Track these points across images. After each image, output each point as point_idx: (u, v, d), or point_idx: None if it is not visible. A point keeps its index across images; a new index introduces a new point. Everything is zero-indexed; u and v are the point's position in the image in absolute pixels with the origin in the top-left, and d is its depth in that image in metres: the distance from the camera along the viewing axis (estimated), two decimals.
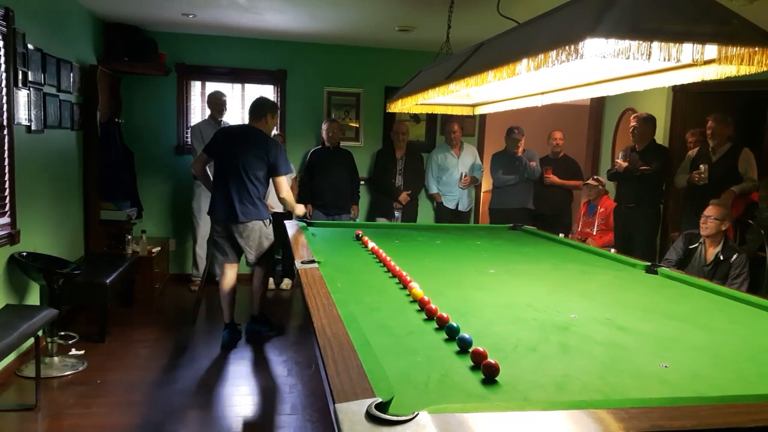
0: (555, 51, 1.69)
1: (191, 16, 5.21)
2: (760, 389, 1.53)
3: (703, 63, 1.83)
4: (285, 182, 4.38)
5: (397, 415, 1.21)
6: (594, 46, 1.59)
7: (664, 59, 1.58)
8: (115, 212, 5.34)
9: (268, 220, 4.45)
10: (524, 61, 1.89)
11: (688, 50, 1.61)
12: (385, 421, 1.20)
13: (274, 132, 6.03)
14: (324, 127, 5.94)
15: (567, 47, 1.64)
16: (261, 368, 3.99)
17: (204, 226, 5.82)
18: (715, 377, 1.62)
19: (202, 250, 5.91)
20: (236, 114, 6.33)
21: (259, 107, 4.42)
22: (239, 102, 6.39)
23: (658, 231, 5.40)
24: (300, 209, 4.67)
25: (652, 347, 1.86)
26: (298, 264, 2.73)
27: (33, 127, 3.97)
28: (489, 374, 1.52)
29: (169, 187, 6.21)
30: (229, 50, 6.16)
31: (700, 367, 1.69)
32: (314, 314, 1.95)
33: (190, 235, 6.07)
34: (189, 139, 6.01)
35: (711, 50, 1.65)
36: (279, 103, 6.33)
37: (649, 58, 1.56)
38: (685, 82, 2.10)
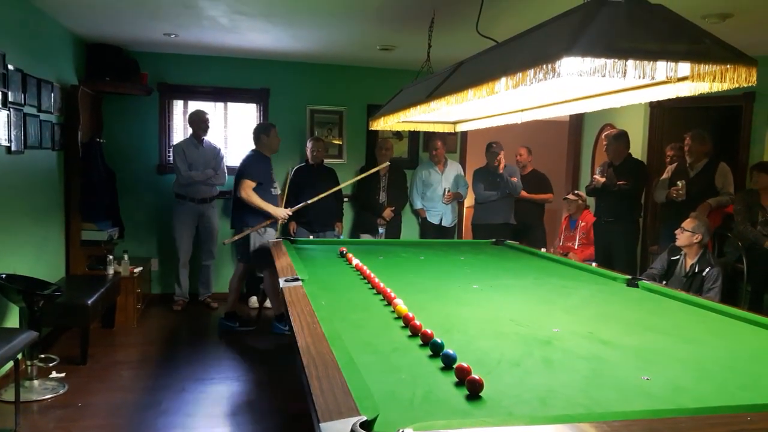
0: (533, 69, 1.73)
1: (173, 35, 5.21)
2: (740, 400, 1.56)
3: (677, 80, 1.88)
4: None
5: None
6: (570, 65, 1.62)
7: (639, 77, 1.62)
8: (96, 232, 5.28)
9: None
10: (503, 79, 1.92)
11: (662, 68, 1.65)
12: None
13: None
14: (309, 145, 5.95)
15: (544, 66, 1.68)
16: (244, 388, 3.95)
17: (186, 244, 5.79)
18: (696, 389, 1.65)
19: (185, 269, 5.86)
20: (219, 133, 6.33)
21: (253, 133, 5.24)
22: (222, 121, 6.39)
23: (637, 244, 5.47)
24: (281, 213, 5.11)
25: (634, 360, 1.88)
26: (282, 282, 2.73)
27: (13, 148, 3.93)
28: (473, 390, 1.53)
29: (151, 206, 6.17)
30: (211, 69, 6.17)
31: (682, 379, 1.71)
32: (298, 332, 1.95)
33: (172, 254, 6.03)
34: (171, 158, 5.99)
35: (684, 68, 1.70)
36: (262, 122, 6.34)
37: (624, 76, 1.60)
38: (660, 99, 2.15)
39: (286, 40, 5.27)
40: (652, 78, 1.64)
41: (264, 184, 5.06)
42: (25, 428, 3.24)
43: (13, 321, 3.96)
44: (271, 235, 5.04)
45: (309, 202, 5.38)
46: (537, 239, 5.89)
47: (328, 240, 4.98)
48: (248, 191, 4.94)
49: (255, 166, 5.03)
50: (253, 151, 5.19)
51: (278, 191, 5.35)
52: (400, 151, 6.65)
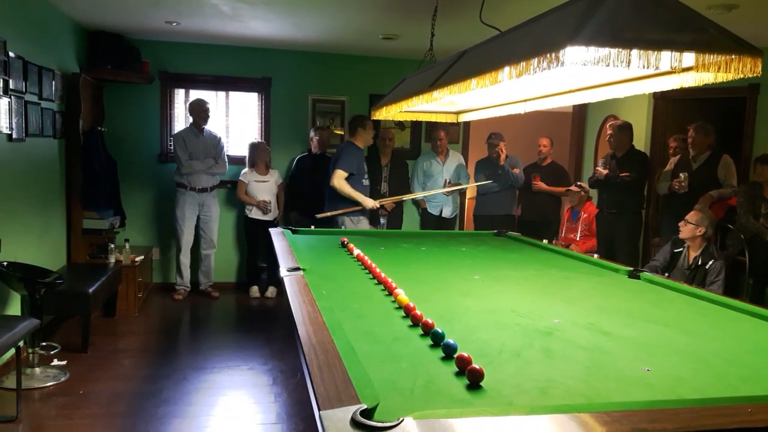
0: (536, 59, 1.71)
1: (175, 24, 5.19)
2: (740, 391, 1.55)
3: (682, 70, 1.86)
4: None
5: (382, 422, 1.21)
6: (574, 54, 1.61)
7: (644, 66, 1.61)
8: (97, 221, 5.29)
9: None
10: (506, 68, 1.91)
11: (666, 58, 1.63)
12: (370, 427, 1.20)
13: (256, 139, 6.05)
14: (312, 134, 5.95)
15: (548, 55, 1.66)
16: (245, 377, 3.96)
17: (188, 234, 5.79)
18: (696, 380, 1.64)
19: (186, 258, 5.87)
20: (220, 122, 6.31)
21: (349, 125, 5.37)
22: (223, 110, 6.38)
23: (640, 236, 5.46)
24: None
25: (635, 351, 1.88)
26: (282, 271, 2.72)
27: (14, 136, 3.92)
28: (474, 380, 1.53)
29: (152, 195, 6.17)
30: (213, 58, 6.14)
31: (682, 371, 1.71)
32: (299, 321, 1.94)
33: (173, 243, 6.03)
34: (172, 147, 5.99)
35: (689, 58, 1.69)
36: (263, 111, 6.33)
37: (628, 66, 1.59)
38: (664, 89, 2.14)
39: (288, 29, 5.25)
40: (657, 68, 1.62)
41: (356, 175, 5.18)
42: (27, 415, 3.26)
43: (14, 309, 3.97)
44: (363, 225, 5.21)
45: (404, 197, 5.51)
46: (551, 232, 5.85)
47: (330, 230, 4.96)
48: (340, 180, 5.09)
49: (348, 157, 5.17)
50: (347, 142, 5.34)
51: (368, 182, 5.45)
52: (403, 141, 6.63)
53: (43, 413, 3.32)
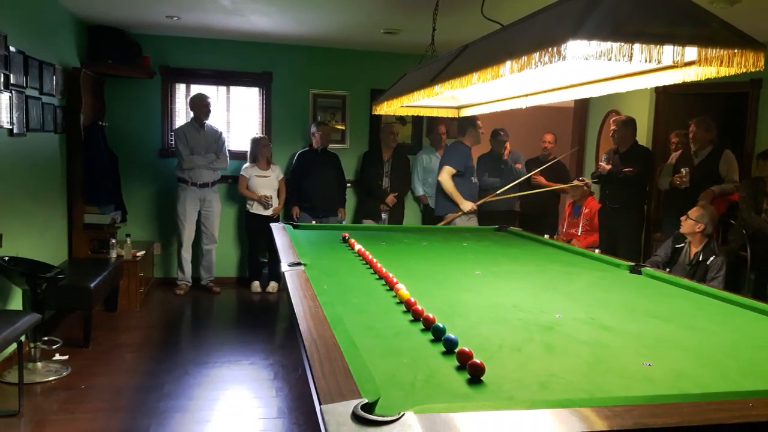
0: (538, 53, 1.70)
1: (175, 18, 5.18)
2: (741, 386, 1.55)
3: (684, 65, 1.86)
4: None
5: (382, 416, 1.21)
6: (576, 48, 1.60)
7: (646, 61, 1.60)
8: (99, 216, 5.29)
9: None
10: (508, 63, 1.90)
11: (669, 52, 1.62)
12: (370, 421, 1.20)
13: (257, 134, 6.05)
14: (314, 130, 5.94)
15: (550, 49, 1.65)
16: (247, 372, 3.97)
17: (189, 229, 5.79)
18: (697, 375, 1.64)
19: (187, 253, 5.87)
20: (221, 117, 6.31)
21: (459, 124, 5.46)
22: (224, 105, 6.37)
23: (642, 232, 5.45)
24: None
25: (636, 346, 1.87)
26: (283, 266, 2.72)
27: (15, 130, 3.92)
28: (474, 374, 1.53)
29: (153, 190, 6.17)
30: (213, 53, 6.13)
31: (684, 366, 1.71)
32: (300, 316, 1.94)
33: (175, 238, 6.04)
34: (173, 142, 5.98)
35: (691, 52, 1.67)
36: (264, 106, 6.33)
37: (630, 60, 1.58)
38: (666, 84, 2.13)
39: (289, 23, 5.24)
40: (659, 62, 1.62)
41: (465, 174, 5.29)
42: (29, 410, 3.26)
43: (16, 303, 3.98)
44: (473, 222, 5.34)
45: (497, 193, 5.51)
46: (551, 226, 5.86)
47: (331, 225, 4.97)
48: (445, 177, 5.27)
49: (458, 155, 5.31)
50: (456, 141, 5.49)
51: (477, 180, 5.54)
52: (404, 136, 6.61)
53: (45, 408, 3.33)
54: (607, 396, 1.45)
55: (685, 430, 1.27)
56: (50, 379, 3.64)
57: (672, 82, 2.10)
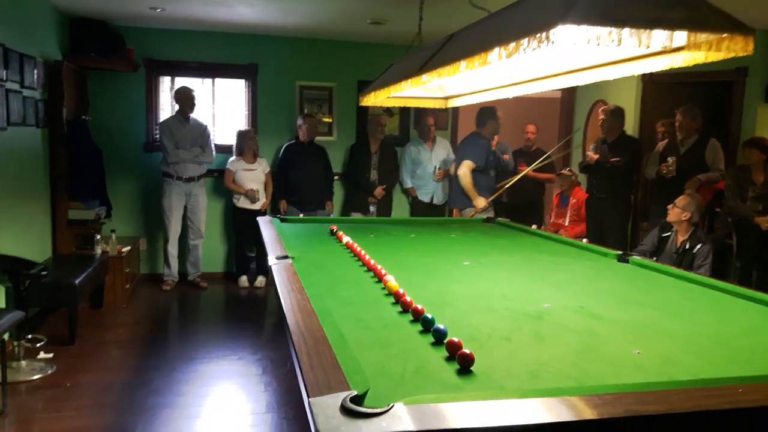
0: (526, 38, 1.68)
1: (159, 9, 5.11)
2: (730, 372, 1.55)
3: (673, 50, 1.84)
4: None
5: (372, 408, 1.20)
6: (565, 33, 1.58)
7: (635, 45, 1.58)
8: (83, 211, 5.21)
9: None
10: (496, 49, 1.87)
11: (658, 36, 1.61)
12: (360, 413, 1.18)
13: (243, 127, 6.00)
14: (300, 122, 5.89)
15: (538, 34, 1.63)
16: (235, 367, 3.94)
17: (175, 224, 5.74)
18: (686, 362, 1.64)
19: (173, 248, 5.81)
20: (206, 110, 6.24)
21: (479, 116, 5.37)
22: (209, 97, 6.30)
23: (629, 221, 5.47)
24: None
25: (625, 334, 1.87)
26: (271, 260, 2.70)
27: None
28: (464, 364, 1.52)
29: (138, 185, 6.10)
30: (198, 45, 6.06)
31: (672, 353, 1.71)
32: (287, 309, 1.92)
33: (161, 233, 5.98)
34: (158, 136, 5.91)
35: (681, 37, 1.66)
36: (250, 99, 6.27)
37: (619, 44, 1.56)
38: (654, 70, 2.11)
39: (275, 14, 5.18)
40: (648, 47, 1.60)
41: (485, 168, 5.28)
42: (13, 409, 3.21)
43: None
44: (491, 212, 5.27)
45: (507, 185, 5.51)
46: (537, 217, 5.86)
47: (319, 218, 4.94)
48: (465, 171, 5.22)
49: (479, 149, 5.26)
50: (474, 133, 5.40)
51: (494, 173, 5.51)
52: (391, 128, 6.58)
53: (30, 406, 3.28)
54: (597, 384, 1.44)
55: (675, 417, 1.27)
56: (35, 377, 3.58)
57: (660, 69, 2.09)
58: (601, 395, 1.31)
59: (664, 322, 2.02)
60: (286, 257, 2.72)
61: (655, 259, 3.98)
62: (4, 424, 3.09)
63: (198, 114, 5.86)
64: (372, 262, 2.65)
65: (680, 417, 1.27)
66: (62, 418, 3.14)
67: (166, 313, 5.30)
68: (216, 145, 5.96)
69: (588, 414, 1.24)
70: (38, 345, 3.90)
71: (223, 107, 6.38)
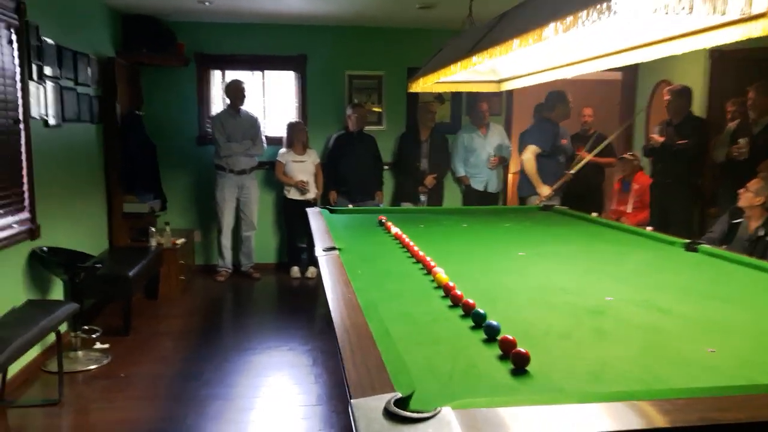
0: (585, 10, 1.54)
1: (207, 3, 5.12)
2: None
3: (751, 17, 1.66)
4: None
5: (417, 412, 1.11)
6: (628, 2, 1.43)
7: (708, 13, 1.42)
8: (138, 204, 5.32)
9: None
10: (552, 24, 1.74)
11: (734, 2, 1.44)
12: (404, 418, 1.10)
13: (293, 119, 5.98)
14: (350, 112, 5.83)
15: (599, 5, 1.49)
16: (286, 358, 3.92)
17: (228, 216, 5.79)
18: (767, 362, 1.48)
19: (227, 240, 5.88)
20: (257, 102, 6.26)
21: (547, 100, 5.29)
22: (260, 89, 6.32)
23: (696, 207, 5.19)
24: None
25: (696, 331, 1.72)
26: (318, 251, 2.64)
27: (51, 122, 3.93)
28: (518, 364, 1.41)
29: (192, 178, 6.18)
30: (247, 37, 6.07)
31: (751, 352, 1.55)
32: (332, 303, 1.86)
33: (215, 225, 6.04)
34: (210, 130, 5.96)
35: (760, 2, 1.49)
36: (300, 89, 6.25)
37: (691, 12, 1.40)
38: (729, 41, 1.92)
39: (322, 3, 5.13)
40: (723, 13, 1.43)
41: (553, 153, 5.21)
42: (69, 399, 3.29)
43: (57, 293, 4.01)
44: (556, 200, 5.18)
45: (571, 172, 5.34)
46: (597, 204, 5.64)
47: (368, 208, 4.87)
48: (529, 156, 5.17)
49: (544, 134, 5.19)
50: (543, 118, 5.35)
51: (564, 159, 5.41)
52: (442, 115, 6.44)
53: (86, 396, 3.35)
54: (667, 387, 1.31)
55: (756, 427, 1.13)
56: (91, 367, 3.66)
57: (734, 40, 1.89)
58: (672, 400, 1.18)
59: (738, 317, 1.86)
60: (333, 249, 2.66)
61: (725, 247, 3.74)
62: (60, 413, 3.15)
63: (248, 106, 5.88)
64: (421, 253, 2.55)
65: (763, 427, 1.13)
66: (116, 408, 3.19)
67: (219, 304, 5.36)
68: (266, 137, 5.97)
69: (659, 421, 1.11)
70: (94, 336, 3.98)
71: (273, 99, 6.38)
